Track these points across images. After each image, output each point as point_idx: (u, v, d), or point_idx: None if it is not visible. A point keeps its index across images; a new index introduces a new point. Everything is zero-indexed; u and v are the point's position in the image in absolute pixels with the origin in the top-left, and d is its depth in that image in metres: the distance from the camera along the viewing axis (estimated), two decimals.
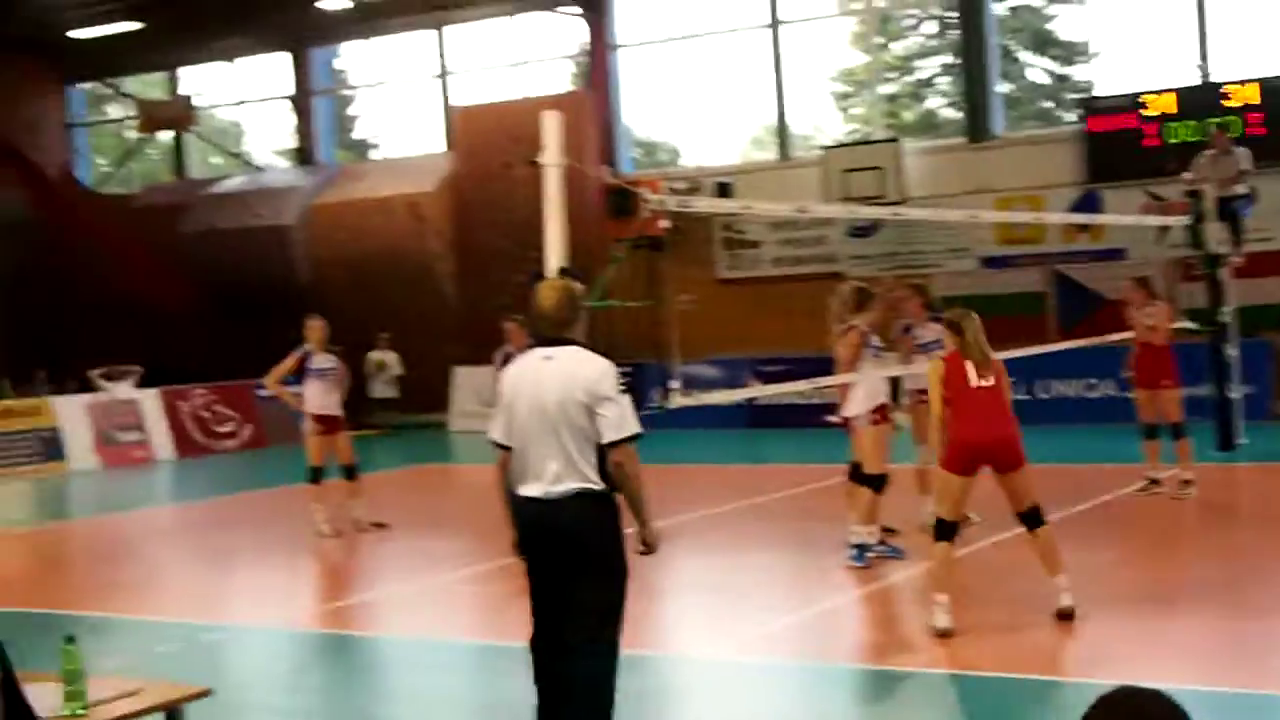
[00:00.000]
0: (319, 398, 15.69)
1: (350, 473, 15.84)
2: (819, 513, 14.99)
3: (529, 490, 6.91)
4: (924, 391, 13.24)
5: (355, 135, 37.49)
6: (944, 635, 9.53)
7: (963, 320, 10.09)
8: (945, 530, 9.90)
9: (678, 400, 10.43)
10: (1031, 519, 9.99)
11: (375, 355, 28.61)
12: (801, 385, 14.77)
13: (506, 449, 7.05)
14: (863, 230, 26.03)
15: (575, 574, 6.85)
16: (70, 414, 25.62)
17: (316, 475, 15.63)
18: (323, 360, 15.77)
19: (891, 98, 31.74)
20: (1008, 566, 12.05)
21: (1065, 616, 9.73)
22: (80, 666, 5.69)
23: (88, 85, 37.35)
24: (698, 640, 10.32)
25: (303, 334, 15.95)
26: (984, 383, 9.83)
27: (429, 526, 16.31)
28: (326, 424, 15.65)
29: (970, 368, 9.84)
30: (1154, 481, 15.33)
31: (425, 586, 13.15)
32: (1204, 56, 24.40)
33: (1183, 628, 9.99)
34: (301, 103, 33.87)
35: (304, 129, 33.93)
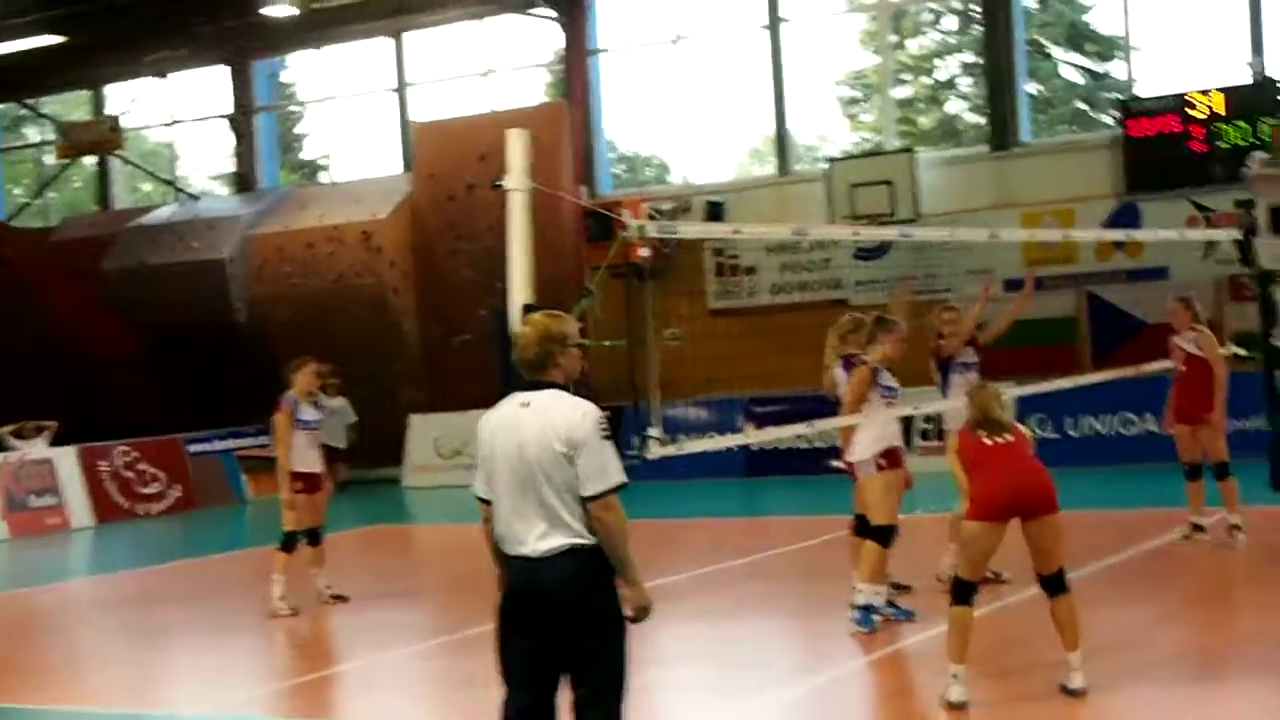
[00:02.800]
0: (303, 453, 15.40)
1: (315, 537, 15.61)
2: (823, 570, 14.97)
3: (514, 549, 6.99)
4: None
5: (303, 156, 37.54)
6: (958, 709, 9.51)
7: (974, 393, 10.42)
8: (964, 592, 9.89)
9: (657, 450, 10.43)
10: (1055, 584, 9.98)
11: (330, 403, 28.44)
12: (801, 428, 14.77)
13: (489, 503, 7.12)
14: (871, 252, 26.11)
15: (570, 639, 6.92)
16: None
17: (293, 542, 15.33)
18: (309, 411, 15.50)
19: (906, 103, 31.81)
20: (1037, 628, 12.06)
21: (1074, 696, 9.69)
22: None
23: (2, 106, 37.42)
24: (685, 713, 10.33)
25: (288, 379, 15.47)
26: (999, 440, 9.96)
27: (384, 596, 16.22)
28: (309, 483, 15.47)
29: (985, 437, 10.00)
30: (1198, 528, 15.33)
31: (380, 663, 13.08)
32: (1258, 50, 24.51)
33: (1232, 701, 9.95)
34: (242, 122, 33.93)
35: (244, 151, 33.98)
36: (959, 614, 9.83)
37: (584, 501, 6.88)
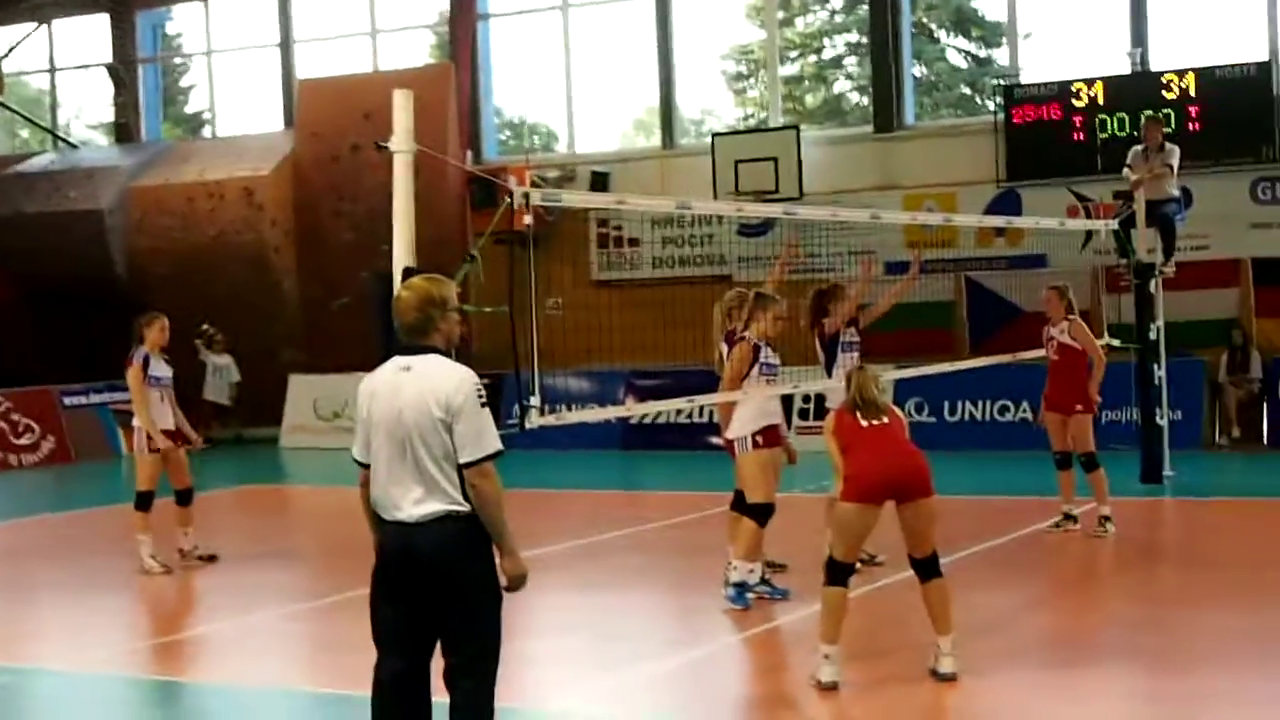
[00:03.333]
0: (158, 408, 15.10)
1: (184, 497, 15.35)
2: (699, 546, 15.08)
3: (390, 513, 6.95)
4: None
5: (186, 109, 37.11)
6: (828, 689, 9.53)
7: (852, 375, 10.31)
8: (837, 573, 9.85)
9: (537, 419, 10.38)
10: (927, 568, 10.02)
11: (216, 359, 28.14)
12: (681, 402, 14.84)
13: (367, 467, 7.09)
14: (755, 229, 26.16)
15: (443, 606, 6.91)
16: None
17: (148, 501, 15.07)
18: (161, 366, 15.21)
19: (792, 80, 31.89)
20: (911, 610, 12.14)
21: (945, 680, 9.73)
22: None
23: None
24: (555, 690, 10.29)
25: (139, 333, 15.18)
26: (875, 422, 9.94)
27: (255, 556, 16.09)
28: (165, 440, 15.25)
29: (861, 419, 9.97)
30: (1070, 517, 15.45)
31: (248, 625, 13.00)
32: (1140, 41, 24.78)
33: (1094, 684, 10.02)
34: (124, 72, 33.44)
35: (126, 101, 33.51)
36: (832, 595, 9.81)
37: (460, 468, 6.85)
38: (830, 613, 9.79)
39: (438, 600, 6.90)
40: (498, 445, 6.87)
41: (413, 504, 6.88)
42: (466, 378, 6.92)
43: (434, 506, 6.85)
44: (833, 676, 9.58)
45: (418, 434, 6.85)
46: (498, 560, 7.00)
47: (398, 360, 7.08)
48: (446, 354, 7.10)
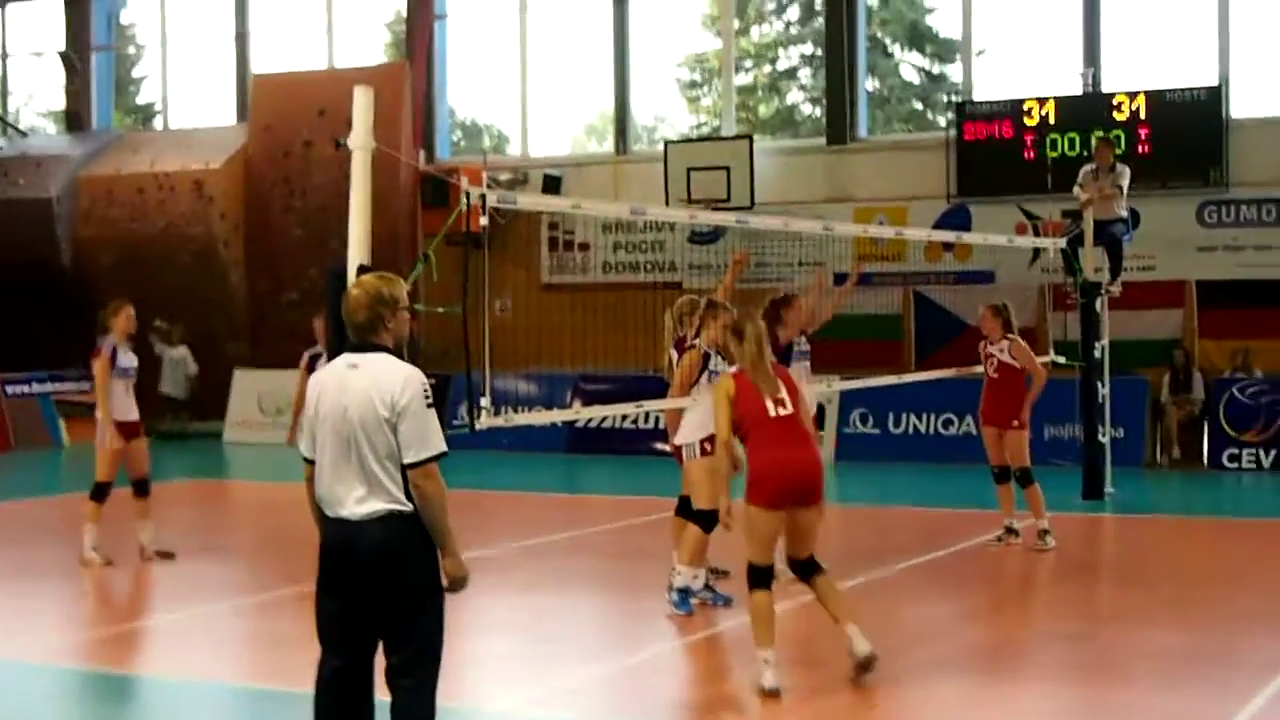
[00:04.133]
0: (123, 400, 15.07)
1: (142, 487, 15.25)
2: (642, 550, 15.14)
3: (334, 510, 6.98)
4: None
5: (138, 100, 36.97)
6: (771, 695, 9.57)
7: (746, 325, 10.18)
8: (759, 577, 9.85)
9: (487, 420, 10.43)
10: (808, 568, 10.04)
11: (172, 352, 28.10)
12: (628, 408, 14.91)
13: (313, 463, 7.11)
14: (706, 236, 26.27)
15: (384, 604, 6.93)
16: None
17: (104, 492, 15.00)
18: (128, 356, 15.11)
19: (746, 89, 32.00)
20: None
21: (866, 666, 9.80)
22: None
23: None
24: (495, 691, 10.32)
25: (105, 323, 15.07)
26: (782, 411, 9.88)
27: (200, 550, 16.01)
28: (128, 431, 15.10)
29: (765, 395, 9.89)
30: (1011, 530, 15.57)
31: (191, 619, 12.96)
32: (1091, 62, 24.94)
33: (1027, 696, 10.15)
34: (76, 59, 33.27)
35: (77, 89, 33.32)
36: (758, 600, 9.81)
37: (404, 468, 6.88)
38: (760, 619, 9.79)
39: (378, 598, 6.93)
40: (443, 446, 6.90)
41: (355, 502, 6.90)
42: (413, 377, 6.95)
43: (376, 505, 6.87)
44: (774, 682, 9.60)
45: (362, 432, 6.87)
46: (440, 561, 7.04)
47: (346, 357, 7.10)
48: (396, 353, 7.12)
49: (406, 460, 6.86)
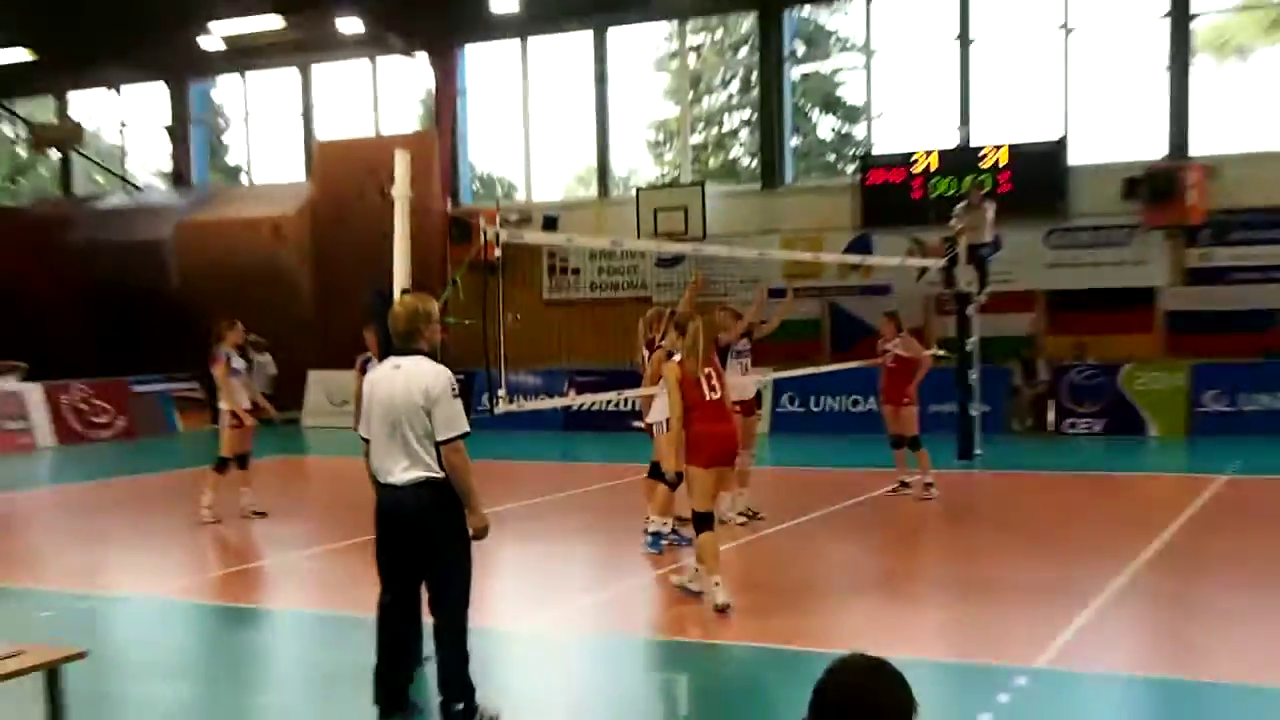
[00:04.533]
0: (239, 393, 15.35)
1: (244, 461, 15.49)
2: (623, 505, 15.23)
3: (384, 478, 7.11)
4: (740, 402, 13.65)
5: (227, 160, 37.00)
6: (722, 610, 9.71)
7: (688, 323, 10.27)
8: (705, 520, 9.98)
9: (504, 406, 10.59)
10: (708, 520, 10.04)
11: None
12: (611, 395, 15.02)
13: (368, 441, 7.25)
14: (669, 261, 26.41)
15: (424, 550, 7.08)
16: None
17: (226, 465, 15.27)
18: (238, 360, 15.42)
19: (699, 146, 32.14)
20: (785, 553, 12.48)
21: (721, 610, 9.74)
22: None
23: None
24: (513, 615, 10.40)
25: (220, 334, 15.32)
26: (713, 395, 10.02)
27: (284, 512, 16.18)
28: (240, 419, 15.30)
29: (703, 377, 9.97)
30: (904, 484, 15.76)
31: (281, 563, 13.16)
32: (965, 120, 25.04)
33: (918, 613, 10.31)
34: (179, 130, 33.35)
35: (180, 154, 33.41)
36: (706, 539, 9.92)
37: (437, 445, 7.01)
38: (709, 553, 9.91)
39: (419, 545, 7.07)
40: (466, 427, 7.03)
41: (400, 471, 7.03)
42: (443, 374, 7.08)
43: (416, 473, 7.01)
44: (725, 598, 9.74)
45: (405, 417, 7.00)
46: (467, 516, 7.18)
47: (392, 360, 7.23)
48: (431, 355, 7.23)
49: (439, 438, 6.98)
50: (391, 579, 7.25)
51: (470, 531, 7.19)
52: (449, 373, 7.13)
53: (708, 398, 10.01)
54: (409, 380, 7.05)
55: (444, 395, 6.99)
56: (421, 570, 7.17)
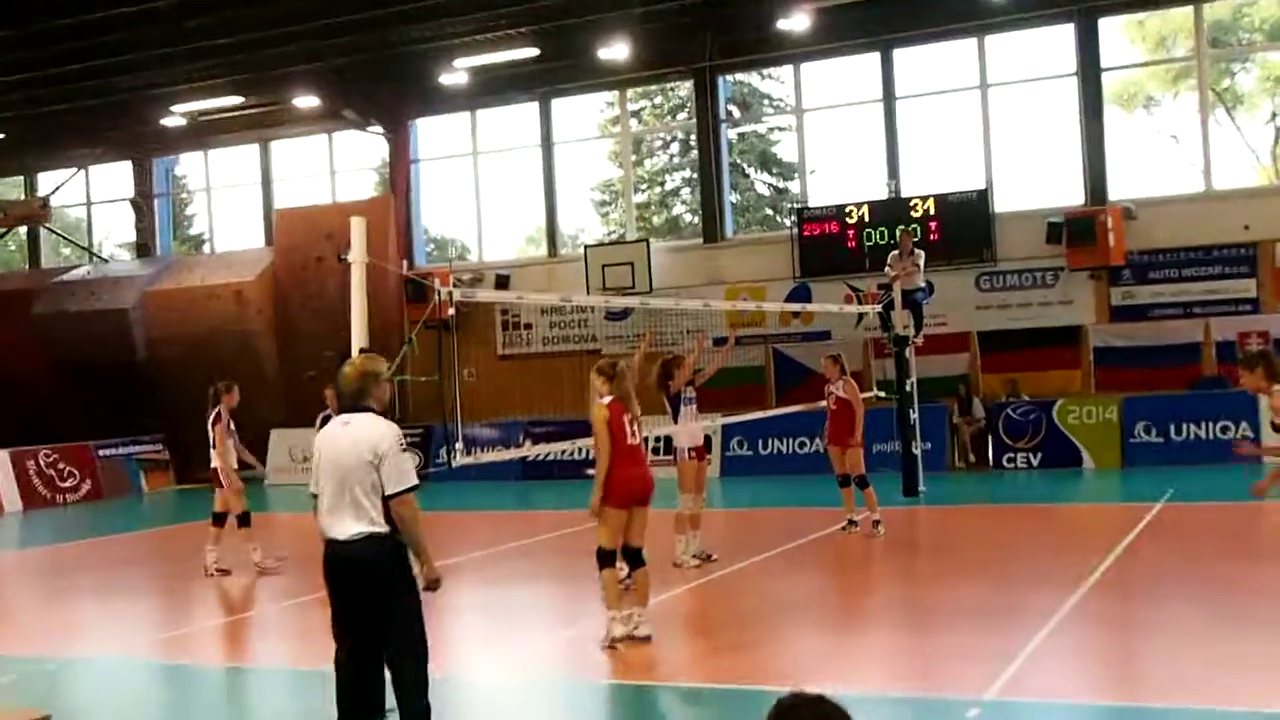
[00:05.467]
0: (232, 454, 15.12)
1: (244, 519, 15.22)
2: (579, 551, 14.87)
3: (330, 533, 6.90)
4: (693, 448, 13.46)
5: (190, 231, 36.61)
6: (620, 642, 9.64)
7: (617, 366, 10.24)
8: (608, 558, 9.89)
9: (461, 459, 10.34)
10: (637, 557, 10.04)
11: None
12: (565, 445, 14.79)
13: (317, 497, 7.04)
14: (617, 315, 26.22)
15: (377, 601, 6.83)
16: None
17: (223, 520, 15.05)
18: (232, 422, 15.23)
19: (643, 205, 32.06)
20: (737, 593, 12.20)
21: (644, 640, 9.80)
22: None
23: None
24: (473, 662, 10.19)
25: (219, 396, 15.12)
26: (633, 441, 9.95)
27: (247, 568, 15.74)
28: (238, 480, 15.11)
29: (628, 422, 9.89)
30: (852, 522, 15.53)
31: (244, 619, 12.82)
32: (894, 174, 25.03)
33: (867, 644, 10.15)
34: (143, 204, 32.97)
35: (144, 226, 33.01)
36: (608, 575, 9.88)
37: (385, 499, 6.81)
38: (610, 589, 9.86)
39: (368, 599, 6.84)
40: (414, 481, 6.88)
41: (347, 527, 6.84)
42: (390, 431, 6.92)
43: (361, 528, 6.81)
44: (622, 632, 9.69)
45: (353, 474, 6.82)
46: (416, 568, 6.95)
47: (341, 417, 7.08)
48: (381, 413, 7.06)
49: (388, 492, 6.80)
50: (345, 634, 6.99)
51: (422, 583, 6.98)
52: (397, 429, 6.98)
53: (630, 441, 9.94)
54: (358, 437, 6.89)
55: (392, 450, 6.84)
56: (374, 624, 6.90)
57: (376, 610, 6.85)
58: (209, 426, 15.08)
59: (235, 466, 15.19)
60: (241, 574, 14.85)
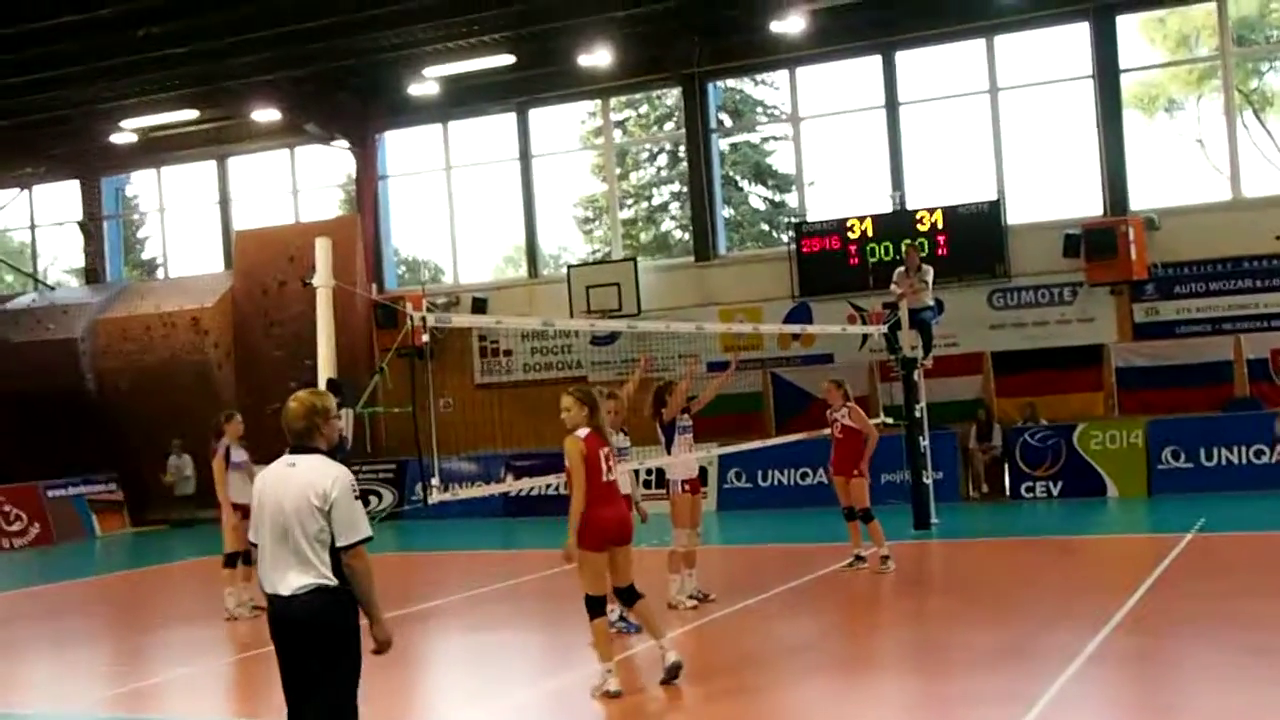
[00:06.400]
0: (241, 486, 14.94)
1: (248, 557, 14.89)
2: (566, 593, 14.78)
3: (273, 587, 6.69)
4: (687, 481, 13.47)
5: (143, 255, 36.60)
6: (615, 697, 9.55)
7: (598, 396, 10.22)
8: (597, 605, 9.86)
9: (437, 496, 10.33)
10: (630, 595, 10.04)
11: (174, 460, 27.72)
12: (551, 478, 14.79)
13: (257, 546, 6.83)
14: (603, 339, 26.20)
15: (314, 662, 6.62)
16: None
17: (235, 560, 15.04)
18: (239, 453, 15.18)
19: (629, 222, 32.13)
20: (738, 634, 12.17)
21: (673, 673, 9.80)
22: None
23: None
24: (454, 713, 10.10)
25: (219, 427, 15.23)
26: (610, 477, 9.90)
27: (203, 616, 15.64)
28: (245, 511, 14.98)
29: (604, 457, 9.83)
30: (859, 558, 15.49)
31: (197, 671, 12.69)
32: (898, 185, 25.06)
33: (877, 689, 10.09)
34: (91, 226, 32.93)
35: (93, 250, 32.99)
36: (598, 625, 9.85)
37: (335, 550, 6.59)
38: (601, 638, 9.83)
39: (308, 658, 6.62)
40: (368, 532, 6.62)
41: (290, 580, 6.60)
42: (341, 475, 6.66)
43: (307, 580, 6.56)
44: (617, 687, 9.61)
45: (296, 520, 6.57)
46: (366, 625, 6.75)
47: (286, 458, 6.80)
48: (329, 454, 6.82)
49: (339, 544, 6.57)
50: (289, 690, 6.76)
51: (373, 644, 6.79)
52: (349, 473, 6.73)
53: (605, 479, 9.88)
54: (303, 481, 6.62)
55: (343, 497, 6.58)
56: (314, 682, 6.66)
57: (311, 668, 6.63)
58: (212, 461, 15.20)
59: (244, 501, 15.08)
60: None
